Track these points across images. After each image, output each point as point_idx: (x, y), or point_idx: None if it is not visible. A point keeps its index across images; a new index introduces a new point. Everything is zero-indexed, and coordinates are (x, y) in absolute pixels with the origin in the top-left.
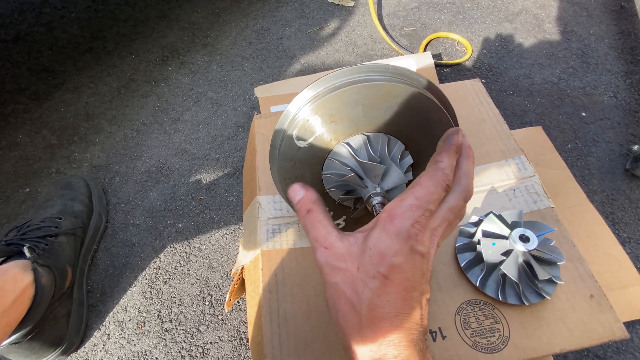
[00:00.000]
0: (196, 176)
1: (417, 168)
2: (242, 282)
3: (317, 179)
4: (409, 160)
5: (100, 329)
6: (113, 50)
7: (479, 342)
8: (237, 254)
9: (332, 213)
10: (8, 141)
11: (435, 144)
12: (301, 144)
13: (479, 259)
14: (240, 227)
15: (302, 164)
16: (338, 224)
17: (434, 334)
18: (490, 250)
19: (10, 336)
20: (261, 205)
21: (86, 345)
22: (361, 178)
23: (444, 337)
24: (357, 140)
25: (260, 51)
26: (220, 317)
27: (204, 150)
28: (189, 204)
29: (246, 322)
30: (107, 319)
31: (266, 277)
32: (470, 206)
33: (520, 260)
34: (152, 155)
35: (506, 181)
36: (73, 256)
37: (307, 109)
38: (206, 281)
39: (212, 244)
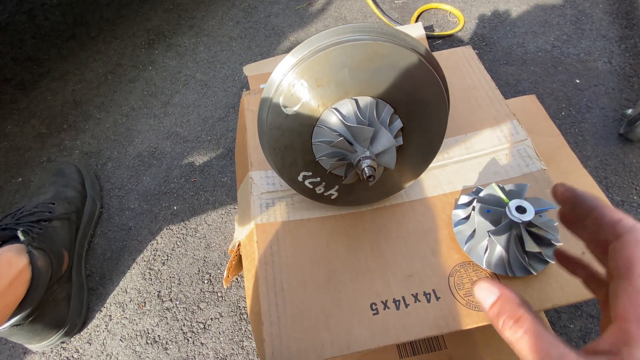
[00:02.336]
0: (189, 159)
1: (407, 132)
2: (240, 259)
3: (307, 148)
4: (398, 124)
5: (101, 311)
6: (97, 35)
7: (472, 302)
8: (234, 232)
9: (324, 183)
10: None
11: (425, 109)
12: (288, 111)
13: (469, 225)
14: (235, 207)
15: (291, 132)
16: (331, 195)
17: (428, 296)
18: (482, 217)
19: (10, 318)
20: (254, 181)
21: (89, 326)
22: (350, 143)
23: (437, 298)
24: (345, 105)
25: (248, 30)
26: (219, 294)
27: (195, 133)
28: (182, 186)
29: (245, 298)
30: (107, 301)
31: (261, 249)
32: (463, 173)
33: (514, 232)
34: (143, 139)
35: (499, 146)
36: (68, 240)
37: (292, 74)
38: (204, 260)
39: (209, 225)
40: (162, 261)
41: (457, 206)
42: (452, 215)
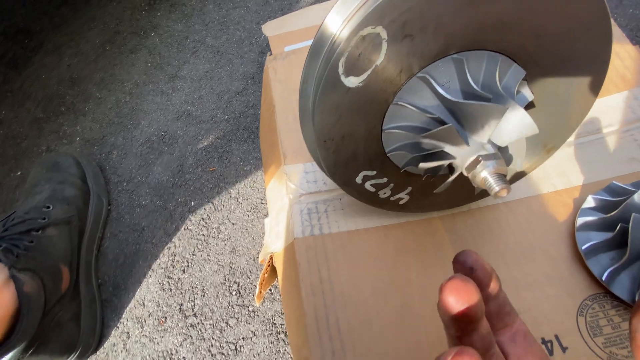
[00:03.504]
0: (204, 143)
1: (541, 107)
2: (273, 269)
3: (375, 136)
4: (527, 93)
5: (118, 327)
6: None
7: (616, 355)
8: (263, 234)
9: (391, 185)
10: None
11: (577, 59)
12: (351, 81)
13: (612, 242)
14: (264, 202)
15: (353, 114)
16: (399, 200)
17: (549, 344)
18: None
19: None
20: (289, 178)
21: (105, 345)
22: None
23: (564, 349)
24: (444, 67)
25: None
26: (251, 309)
27: (209, 112)
28: (200, 177)
29: (282, 313)
30: (124, 315)
31: (305, 273)
32: (583, 160)
33: None
34: (151, 121)
35: (632, 122)
36: (69, 251)
37: (358, 20)
38: (230, 267)
39: (233, 224)
40: (182, 268)
41: (583, 212)
42: (577, 223)
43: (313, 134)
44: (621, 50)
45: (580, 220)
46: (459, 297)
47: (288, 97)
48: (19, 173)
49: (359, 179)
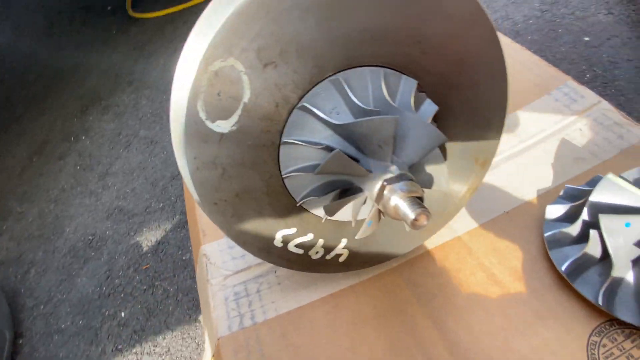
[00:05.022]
0: (136, 238)
1: (443, 118)
2: None
3: (277, 187)
4: (429, 106)
5: None
6: (22, 114)
7: None
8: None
9: (321, 241)
10: None
11: (471, 70)
12: (221, 127)
13: (591, 258)
14: None
15: (239, 165)
16: (338, 256)
17: None
18: (621, 238)
19: None
20: (209, 259)
21: None
22: (355, 159)
23: None
24: (327, 92)
25: None
26: None
27: (142, 202)
28: (131, 279)
29: None
30: None
31: None
32: (527, 171)
33: None
34: (77, 226)
35: (563, 121)
36: None
37: (202, 53)
38: None
39: (172, 330)
40: None
41: (548, 225)
42: (546, 241)
43: (200, 198)
44: (527, 61)
45: (548, 237)
46: None
47: None
48: None
49: (278, 242)
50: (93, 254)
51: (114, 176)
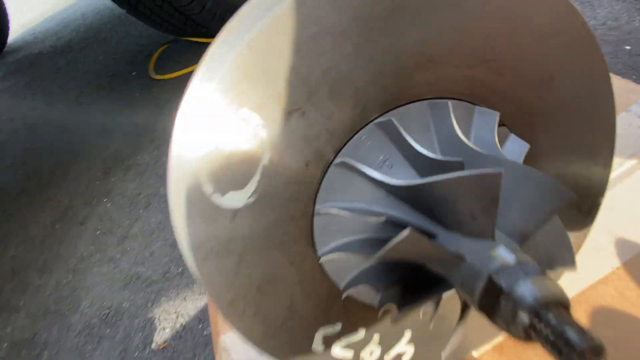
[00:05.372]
0: (154, 310)
1: (534, 156)
2: None
3: (312, 274)
4: (516, 143)
5: None
6: (49, 181)
7: None
8: None
9: (375, 337)
10: None
11: (566, 96)
12: (234, 200)
13: None
14: None
15: (260, 251)
16: (400, 355)
17: None
18: None
19: None
20: (230, 355)
21: None
22: (428, 234)
23: None
24: (372, 139)
25: None
26: None
27: (161, 267)
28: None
29: None
30: None
31: None
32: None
33: None
34: (94, 299)
35: None
36: None
37: (208, 113)
38: None
39: None
40: None
41: None
42: None
43: (213, 292)
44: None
45: None
46: None
47: None
48: None
49: (318, 344)
50: (108, 331)
51: (133, 239)
